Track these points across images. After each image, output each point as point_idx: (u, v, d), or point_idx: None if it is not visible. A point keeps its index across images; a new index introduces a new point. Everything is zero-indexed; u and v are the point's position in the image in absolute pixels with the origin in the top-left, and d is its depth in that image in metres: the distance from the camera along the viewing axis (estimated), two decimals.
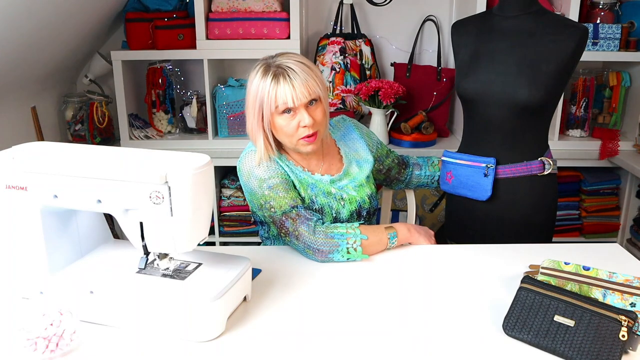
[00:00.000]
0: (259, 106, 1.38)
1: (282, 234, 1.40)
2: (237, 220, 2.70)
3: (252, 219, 1.56)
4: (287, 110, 1.38)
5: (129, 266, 1.11)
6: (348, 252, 1.34)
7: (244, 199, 2.66)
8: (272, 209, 1.38)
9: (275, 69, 1.37)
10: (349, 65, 2.59)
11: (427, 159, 1.79)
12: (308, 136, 1.40)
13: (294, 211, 1.37)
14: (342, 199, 1.49)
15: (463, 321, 1.10)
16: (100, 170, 1.00)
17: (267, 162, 1.42)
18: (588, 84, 2.56)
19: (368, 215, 1.57)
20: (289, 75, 1.35)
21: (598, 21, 2.49)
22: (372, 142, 1.65)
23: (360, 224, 1.39)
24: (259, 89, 1.37)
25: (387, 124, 2.54)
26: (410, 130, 2.51)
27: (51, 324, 0.99)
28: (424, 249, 1.44)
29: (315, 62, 2.61)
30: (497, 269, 1.31)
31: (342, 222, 1.46)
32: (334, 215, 1.48)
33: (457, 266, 1.33)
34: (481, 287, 1.23)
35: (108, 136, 2.69)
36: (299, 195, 1.44)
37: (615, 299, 1.06)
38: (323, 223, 1.38)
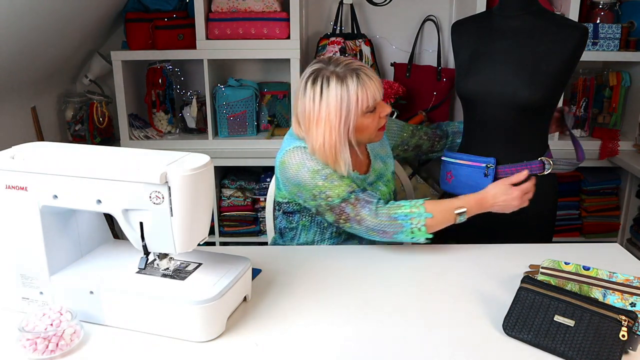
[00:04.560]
0: (345, 117, 1.35)
1: (341, 220, 1.39)
2: (237, 220, 2.70)
3: (279, 209, 1.53)
4: (371, 109, 1.39)
5: (129, 266, 1.11)
6: (412, 232, 1.34)
7: (244, 199, 2.66)
8: (329, 198, 1.37)
9: (351, 72, 1.36)
10: None
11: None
12: (384, 125, 1.45)
13: (352, 196, 1.37)
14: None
15: (463, 321, 1.10)
16: (100, 170, 1.00)
17: (312, 155, 1.40)
18: (588, 84, 2.56)
19: None
20: (367, 75, 1.37)
21: (598, 21, 2.49)
22: (392, 134, 1.66)
23: (424, 200, 1.38)
24: (343, 99, 1.34)
25: None
26: None
27: (51, 324, 0.99)
28: (424, 248, 1.44)
29: None
30: (497, 269, 1.31)
31: None
32: None
33: (457, 266, 1.33)
34: (481, 287, 1.23)
35: (108, 136, 2.69)
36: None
37: (615, 299, 1.06)
38: (386, 203, 1.38)
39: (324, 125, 1.36)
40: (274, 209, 1.60)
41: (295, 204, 1.48)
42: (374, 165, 1.56)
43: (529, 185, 1.41)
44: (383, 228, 1.34)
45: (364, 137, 1.44)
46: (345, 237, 1.53)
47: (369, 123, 1.40)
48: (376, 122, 1.42)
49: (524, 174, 1.43)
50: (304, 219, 1.50)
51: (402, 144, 1.69)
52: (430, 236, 1.36)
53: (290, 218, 1.52)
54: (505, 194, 1.39)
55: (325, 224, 1.49)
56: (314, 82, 1.37)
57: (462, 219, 1.38)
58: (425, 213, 1.33)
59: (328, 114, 1.35)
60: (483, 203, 1.40)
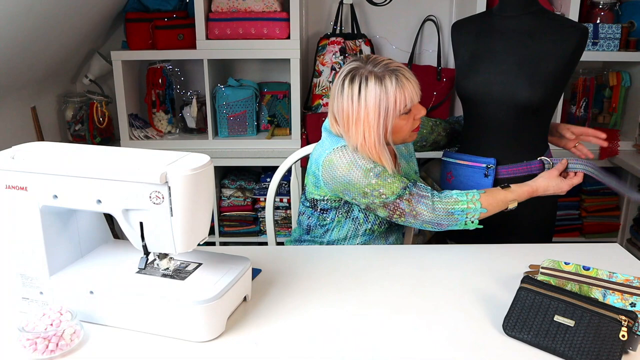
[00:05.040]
0: (383, 119, 1.35)
1: (395, 216, 1.40)
2: (237, 220, 2.70)
3: (311, 206, 1.52)
4: (407, 111, 1.38)
5: (129, 266, 1.11)
6: (465, 224, 1.38)
7: (244, 199, 2.66)
8: (383, 195, 1.37)
9: (390, 73, 1.34)
10: None
11: None
12: (418, 126, 1.45)
13: (406, 192, 1.38)
14: None
15: (463, 321, 1.10)
16: (100, 170, 1.00)
17: (362, 154, 1.39)
18: (588, 84, 2.57)
19: None
20: (405, 76, 1.36)
21: (598, 21, 2.49)
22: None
23: (480, 193, 1.39)
24: (381, 100, 1.33)
25: None
26: None
27: (51, 324, 0.99)
28: (424, 249, 1.44)
29: (315, 62, 2.61)
30: (497, 269, 1.31)
31: None
32: None
33: (457, 266, 1.33)
34: (481, 287, 1.23)
35: (108, 136, 2.69)
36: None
37: (615, 299, 1.06)
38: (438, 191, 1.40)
39: (363, 125, 1.36)
40: (301, 206, 1.58)
41: (334, 200, 1.48)
42: (400, 163, 1.57)
43: (577, 181, 1.50)
44: (439, 221, 1.38)
45: (398, 138, 1.43)
46: (377, 235, 1.53)
47: (403, 124, 1.40)
48: (410, 124, 1.42)
49: (564, 162, 1.50)
50: (339, 216, 1.50)
51: (421, 140, 1.70)
52: (481, 227, 1.39)
53: (325, 215, 1.51)
54: (556, 187, 1.46)
55: (361, 221, 1.50)
56: (352, 81, 1.36)
57: (512, 208, 1.42)
58: (481, 209, 1.37)
59: (367, 114, 1.35)
60: (534, 195, 1.45)
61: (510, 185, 1.43)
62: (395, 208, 1.38)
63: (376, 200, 1.39)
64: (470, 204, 1.37)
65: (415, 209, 1.37)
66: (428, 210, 1.37)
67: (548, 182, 1.45)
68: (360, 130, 1.36)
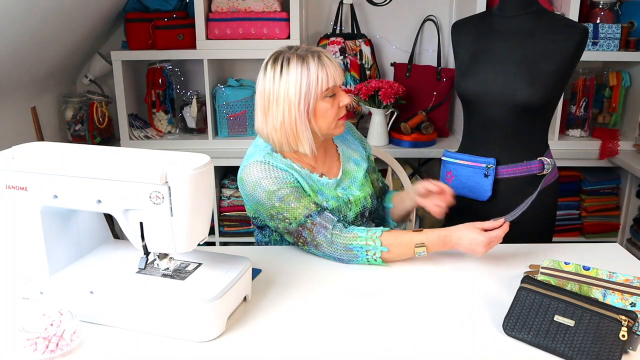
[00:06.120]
0: (305, 96, 1.33)
1: (299, 243, 1.37)
2: (237, 220, 2.70)
3: (253, 224, 1.53)
4: (330, 93, 1.37)
5: (129, 266, 1.11)
6: (368, 261, 1.32)
7: None
8: (286, 220, 1.35)
9: (312, 53, 1.35)
10: (349, 65, 2.59)
11: (390, 193, 1.70)
12: (344, 115, 1.42)
13: (308, 221, 1.34)
14: (349, 201, 1.46)
15: (463, 321, 1.10)
16: (100, 170, 1.00)
17: (275, 171, 1.36)
18: (588, 84, 2.56)
19: (370, 214, 1.55)
20: (328, 57, 1.36)
21: (598, 21, 2.49)
22: (367, 147, 1.64)
23: (383, 231, 1.32)
24: (302, 77, 1.33)
25: (387, 124, 2.54)
26: (410, 130, 2.51)
27: (51, 324, 0.99)
28: None
29: None
30: (497, 269, 1.31)
31: (349, 224, 1.42)
32: (341, 219, 1.43)
33: (457, 266, 1.33)
34: (481, 287, 1.23)
35: (108, 136, 2.69)
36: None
37: (615, 299, 1.06)
38: (344, 225, 1.35)
39: (283, 103, 1.34)
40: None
41: (262, 219, 1.45)
42: (346, 166, 1.52)
43: (499, 233, 1.29)
44: (339, 256, 1.33)
45: (324, 125, 1.39)
46: None
47: (327, 109, 1.37)
48: (335, 110, 1.39)
49: (500, 222, 1.32)
50: (274, 234, 1.48)
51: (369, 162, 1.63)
52: (387, 265, 1.33)
53: (264, 232, 1.50)
54: (470, 239, 1.29)
55: None
56: (274, 62, 1.37)
57: (422, 253, 1.31)
58: (381, 247, 1.30)
59: (287, 91, 1.33)
60: (446, 242, 1.32)
61: (423, 229, 1.34)
62: (299, 236, 1.35)
63: (280, 225, 1.37)
64: (370, 241, 1.30)
65: (315, 239, 1.33)
66: (327, 243, 1.32)
67: (462, 233, 1.30)
68: (280, 108, 1.34)
